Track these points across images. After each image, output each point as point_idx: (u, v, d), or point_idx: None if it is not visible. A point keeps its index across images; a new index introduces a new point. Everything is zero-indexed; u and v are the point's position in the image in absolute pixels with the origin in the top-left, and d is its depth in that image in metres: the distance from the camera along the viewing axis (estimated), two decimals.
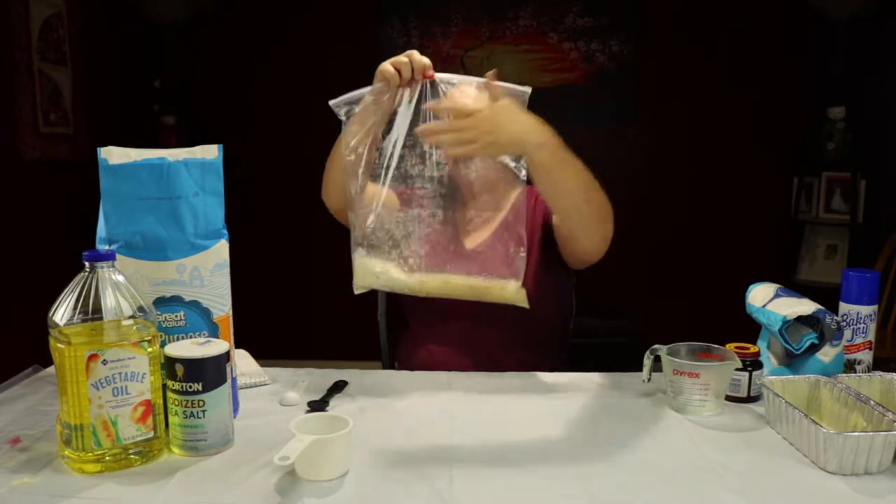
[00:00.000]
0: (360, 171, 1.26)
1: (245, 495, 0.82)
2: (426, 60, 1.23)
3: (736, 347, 1.13)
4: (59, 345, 0.86)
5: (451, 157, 1.29)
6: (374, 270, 1.28)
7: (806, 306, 1.12)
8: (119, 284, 0.89)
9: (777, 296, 1.18)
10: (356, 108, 1.25)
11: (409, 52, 1.24)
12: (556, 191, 1.22)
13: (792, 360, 1.15)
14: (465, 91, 1.28)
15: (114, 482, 0.85)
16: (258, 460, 0.90)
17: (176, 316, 0.99)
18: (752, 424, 1.04)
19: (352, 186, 1.27)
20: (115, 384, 0.87)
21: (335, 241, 2.95)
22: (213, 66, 3.52)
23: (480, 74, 1.21)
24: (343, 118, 1.26)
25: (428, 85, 1.25)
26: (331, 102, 1.25)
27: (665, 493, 0.84)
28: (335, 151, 1.34)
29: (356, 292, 1.31)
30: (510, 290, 1.26)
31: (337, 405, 1.11)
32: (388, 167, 1.27)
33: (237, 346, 1.13)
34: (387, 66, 1.22)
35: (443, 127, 1.18)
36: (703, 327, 1.57)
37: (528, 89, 1.19)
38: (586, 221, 1.26)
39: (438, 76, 1.25)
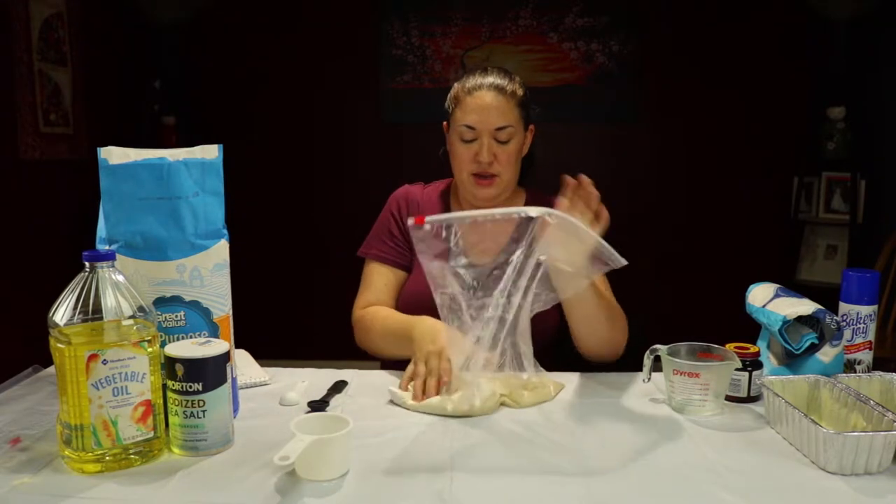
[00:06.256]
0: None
1: (245, 495, 0.82)
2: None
3: (736, 347, 1.13)
4: (59, 345, 0.85)
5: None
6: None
7: (806, 306, 1.12)
8: (119, 284, 0.89)
9: (777, 296, 1.18)
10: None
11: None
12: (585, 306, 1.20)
13: (792, 360, 1.15)
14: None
15: (114, 482, 0.85)
16: (258, 460, 0.90)
17: (176, 316, 0.99)
18: (752, 424, 1.04)
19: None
20: (116, 384, 0.87)
21: (335, 240, 2.94)
22: (214, 66, 3.52)
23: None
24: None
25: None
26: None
27: (665, 493, 0.84)
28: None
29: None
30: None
31: (337, 405, 1.11)
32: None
33: (237, 346, 1.13)
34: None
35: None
36: (703, 327, 1.56)
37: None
38: (601, 330, 1.25)
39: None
